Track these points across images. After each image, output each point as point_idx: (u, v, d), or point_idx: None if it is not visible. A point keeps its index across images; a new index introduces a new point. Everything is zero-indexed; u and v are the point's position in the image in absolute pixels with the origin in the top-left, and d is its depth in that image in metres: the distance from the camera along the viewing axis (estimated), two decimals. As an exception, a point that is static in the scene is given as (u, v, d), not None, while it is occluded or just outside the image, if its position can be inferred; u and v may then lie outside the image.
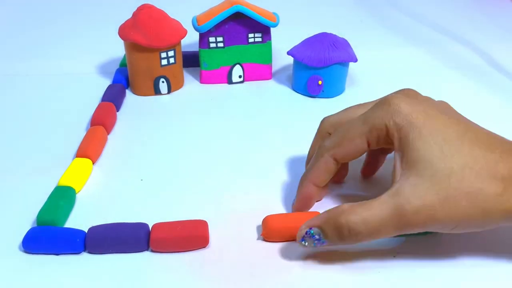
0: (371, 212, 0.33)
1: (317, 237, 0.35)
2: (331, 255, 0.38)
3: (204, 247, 0.39)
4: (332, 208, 0.35)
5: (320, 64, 0.57)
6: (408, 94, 0.39)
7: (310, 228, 0.35)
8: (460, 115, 0.38)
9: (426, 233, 0.39)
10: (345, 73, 0.60)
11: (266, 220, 0.40)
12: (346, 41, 0.60)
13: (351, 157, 0.38)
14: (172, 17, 0.59)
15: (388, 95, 0.38)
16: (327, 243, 0.35)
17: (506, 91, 0.62)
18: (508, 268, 0.38)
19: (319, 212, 0.39)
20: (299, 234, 0.36)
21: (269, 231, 0.39)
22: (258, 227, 0.41)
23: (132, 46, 0.57)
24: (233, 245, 0.39)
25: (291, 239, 0.39)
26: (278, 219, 0.40)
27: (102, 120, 0.52)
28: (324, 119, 0.43)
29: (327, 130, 0.42)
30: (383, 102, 0.36)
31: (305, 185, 0.40)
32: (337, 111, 0.43)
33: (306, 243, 0.35)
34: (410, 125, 0.34)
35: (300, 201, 0.41)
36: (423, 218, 0.32)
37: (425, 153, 0.33)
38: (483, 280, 0.37)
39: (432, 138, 0.33)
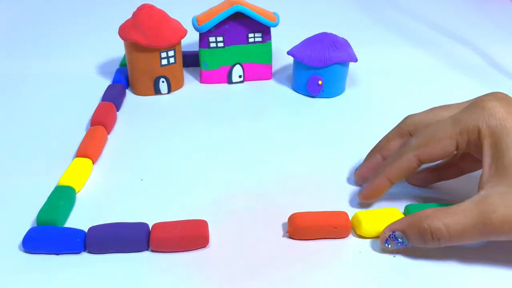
0: (454, 218, 0.34)
1: (400, 240, 0.36)
2: (331, 255, 0.38)
3: (204, 247, 0.39)
4: (415, 213, 0.36)
5: (320, 64, 0.57)
6: (500, 97, 0.37)
7: (393, 232, 0.36)
8: None
9: None
10: (345, 73, 0.60)
11: (292, 218, 0.40)
12: (346, 41, 0.60)
13: (436, 159, 0.38)
14: (172, 17, 0.59)
15: (480, 97, 0.37)
16: (410, 246, 0.36)
17: (506, 91, 0.62)
18: (508, 268, 0.38)
19: (346, 212, 0.40)
20: (383, 236, 0.37)
21: (296, 228, 0.39)
22: (258, 227, 0.41)
23: (132, 46, 0.57)
24: (233, 245, 0.39)
25: (317, 237, 0.39)
26: (305, 217, 0.40)
27: (102, 120, 0.52)
28: (407, 116, 0.43)
29: (408, 129, 0.42)
30: (476, 105, 0.36)
31: (380, 178, 0.40)
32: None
33: (390, 246, 0.37)
34: (504, 131, 0.34)
35: (371, 191, 0.41)
36: (509, 228, 0.32)
37: None
38: (483, 280, 0.37)
39: None
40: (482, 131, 0.35)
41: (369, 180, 0.42)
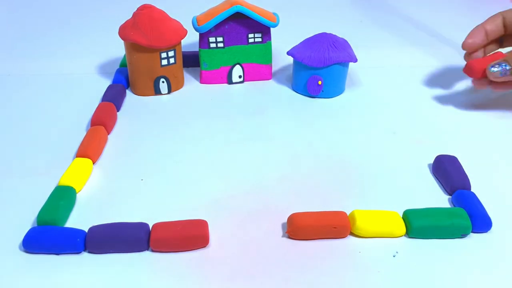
0: None
1: (503, 65, 0.49)
2: (331, 254, 0.39)
3: (204, 247, 0.39)
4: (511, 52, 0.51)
5: (320, 64, 0.57)
6: None
7: (500, 62, 0.49)
8: None
9: (461, 235, 0.40)
10: (345, 73, 0.60)
11: (292, 218, 0.40)
12: (346, 41, 0.60)
13: None
14: (172, 17, 0.59)
15: None
16: (510, 73, 0.49)
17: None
18: (507, 268, 0.38)
19: (345, 212, 0.41)
20: (491, 64, 0.50)
21: (296, 228, 0.39)
22: (258, 227, 0.41)
23: (132, 46, 0.57)
24: (233, 245, 0.39)
25: (316, 237, 0.40)
26: (305, 217, 0.40)
27: (102, 120, 0.52)
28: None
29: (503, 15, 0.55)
30: None
31: (477, 27, 0.54)
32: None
33: (495, 69, 0.49)
34: None
35: (472, 36, 0.54)
36: None
37: None
38: (482, 280, 0.37)
39: None
40: None
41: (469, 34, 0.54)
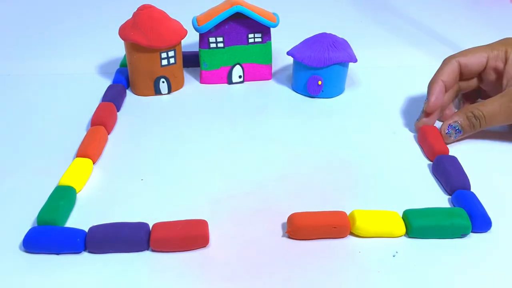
0: (487, 106, 0.49)
1: (457, 128, 0.50)
2: (331, 254, 0.39)
3: (204, 246, 0.39)
4: (463, 108, 0.51)
5: (320, 65, 0.57)
6: None
7: (450, 124, 0.50)
8: None
9: (461, 235, 0.40)
10: (345, 73, 0.60)
11: (292, 218, 0.40)
12: (346, 41, 0.60)
13: (470, 66, 0.51)
14: (172, 17, 0.59)
15: (504, 38, 0.53)
16: (462, 134, 0.50)
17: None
18: (507, 268, 0.38)
19: (345, 212, 0.41)
20: (444, 128, 0.50)
21: (296, 228, 0.39)
22: (258, 227, 0.41)
23: (133, 46, 0.57)
24: (233, 245, 0.39)
25: (316, 237, 0.40)
26: (305, 217, 0.40)
27: (103, 120, 0.52)
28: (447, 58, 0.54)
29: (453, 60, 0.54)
30: (503, 39, 0.52)
31: (436, 82, 0.52)
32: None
33: (450, 133, 0.50)
34: None
35: (433, 96, 0.52)
36: None
37: None
38: (482, 280, 0.37)
39: None
40: (508, 50, 0.50)
41: (428, 92, 0.52)
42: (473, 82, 0.54)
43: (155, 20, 0.56)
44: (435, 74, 0.53)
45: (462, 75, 0.53)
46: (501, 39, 0.52)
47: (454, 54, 0.53)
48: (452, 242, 0.40)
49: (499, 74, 0.51)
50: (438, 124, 0.53)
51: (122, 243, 0.38)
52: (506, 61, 0.50)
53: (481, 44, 0.54)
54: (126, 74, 0.62)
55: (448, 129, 0.50)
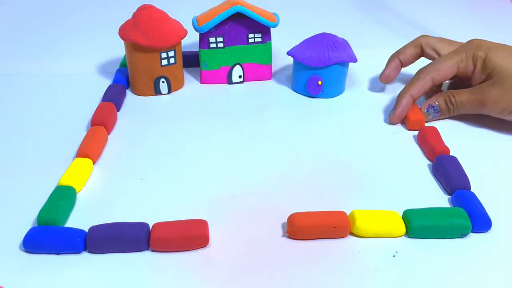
0: (462, 95, 0.54)
1: (435, 108, 0.55)
2: (331, 254, 0.39)
3: (204, 246, 0.39)
4: (444, 92, 0.55)
5: (319, 65, 0.57)
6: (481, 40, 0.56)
7: (430, 104, 0.55)
8: None
9: (461, 235, 0.40)
10: (345, 73, 0.60)
11: (292, 218, 0.40)
12: (346, 41, 0.60)
13: (442, 77, 0.55)
14: (172, 17, 0.59)
15: (470, 40, 0.56)
16: (440, 115, 0.55)
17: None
18: (507, 268, 0.38)
19: (345, 212, 0.41)
20: (424, 107, 0.55)
21: (296, 228, 0.39)
22: (258, 227, 0.41)
23: (133, 46, 0.57)
24: (233, 245, 0.39)
25: (316, 237, 0.40)
26: (305, 217, 0.40)
27: (103, 120, 0.52)
28: (422, 35, 0.61)
29: (420, 41, 0.60)
30: (469, 42, 0.55)
31: (405, 97, 0.55)
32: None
33: (429, 112, 0.55)
34: (492, 49, 0.53)
35: (399, 109, 0.55)
36: (494, 103, 0.51)
37: (502, 65, 0.51)
38: (482, 280, 0.37)
39: (507, 59, 0.51)
40: (474, 56, 0.53)
41: (396, 103, 0.55)
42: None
43: (155, 20, 0.56)
44: (405, 86, 0.56)
45: (434, 85, 0.56)
46: (467, 42, 0.56)
47: (427, 66, 0.56)
48: (452, 242, 0.40)
49: (469, 78, 0.55)
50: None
51: (122, 243, 0.38)
52: (474, 66, 0.54)
53: None
54: (126, 74, 0.62)
55: (428, 108, 0.55)
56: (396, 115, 0.55)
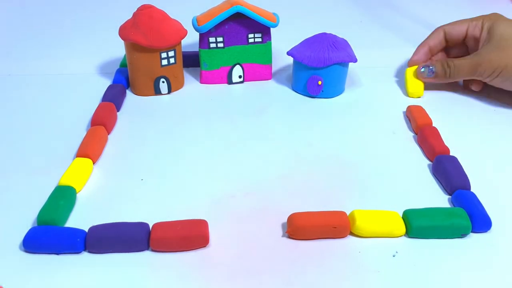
0: (460, 60, 0.58)
1: (431, 67, 0.59)
2: (331, 254, 0.39)
3: (204, 246, 0.39)
4: (442, 59, 0.60)
5: (319, 65, 0.57)
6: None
7: (429, 64, 0.60)
8: None
9: (461, 235, 0.40)
10: (345, 73, 0.60)
11: (292, 218, 0.40)
12: (346, 41, 0.60)
13: (454, 34, 0.61)
14: (172, 17, 0.59)
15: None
16: (434, 76, 0.59)
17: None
18: (507, 268, 0.38)
19: (345, 212, 0.41)
20: (420, 66, 0.60)
21: (296, 228, 0.39)
22: (258, 227, 0.41)
23: (133, 46, 0.57)
24: (233, 245, 0.39)
25: (316, 237, 0.40)
26: (304, 217, 0.40)
27: (103, 120, 0.52)
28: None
29: (443, 27, 0.62)
30: (481, 15, 0.61)
31: (421, 45, 0.63)
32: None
33: (423, 70, 0.60)
34: (498, 20, 0.58)
35: (416, 54, 0.62)
36: (489, 68, 0.55)
37: (503, 32, 0.56)
38: (482, 280, 0.37)
39: (508, 28, 0.56)
40: (483, 21, 0.59)
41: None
42: (462, 51, 0.62)
43: (155, 20, 0.56)
44: (423, 40, 0.63)
45: (448, 41, 0.62)
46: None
47: (446, 24, 0.62)
48: (452, 242, 0.40)
49: (477, 41, 0.59)
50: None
51: (122, 243, 0.38)
52: (481, 30, 0.59)
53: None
54: (126, 74, 0.62)
55: (423, 67, 0.60)
56: (411, 60, 0.62)
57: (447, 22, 0.62)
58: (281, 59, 0.66)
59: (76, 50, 0.72)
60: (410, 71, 0.61)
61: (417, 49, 0.63)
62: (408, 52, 0.72)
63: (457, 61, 0.58)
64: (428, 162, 0.49)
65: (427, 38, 0.63)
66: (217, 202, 0.43)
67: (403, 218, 0.41)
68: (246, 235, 0.40)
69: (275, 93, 0.62)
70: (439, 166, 0.47)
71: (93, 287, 0.36)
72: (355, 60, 0.59)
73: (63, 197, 0.42)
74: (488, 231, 0.41)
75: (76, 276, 0.37)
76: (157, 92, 0.60)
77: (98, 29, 0.79)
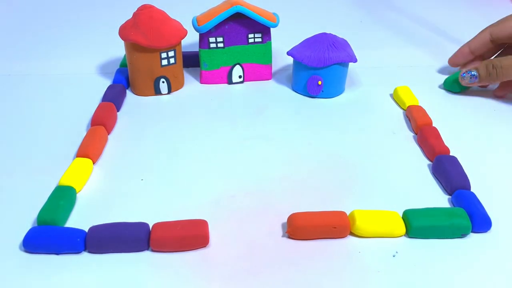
0: (507, 60, 0.55)
1: (473, 73, 0.57)
2: (331, 254, 0.39)
3: (204, 246, 0.39)
4: (485, 61, 0.57)
5: (319, 65, 0.57)
6: None
7: (470, 69, 0.57)
8: None
9: (461, 235, 0.40)
10: (345, 73, 0.60)
11: (292, 218, 0.40)
12: (345, 41, 0.60)
13: (501, 34, 0.58)
14: (172, 17, 0.59)
15: None
16: (478, 80, 0.57)
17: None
18: (507, 268, 0.38)
19: (345, 212, 0.41)
20: (461, 72, 0.58)
21: (296, 228, 0.39)
22: (258, 227, 0.41)
23: (133, 47, 0.57)
24: (233, 245, 0.39)
25: (316, 237, 0.40)
26: (304, 217, 0.40)
27: (103, 120, 0.52)
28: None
29: (488, 29, 0.61)
30: None
31: (463, 46, 0.61)
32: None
33: (465, 76, 0.57)
34: None
35: (456, 55, 0.63)
36: None
37: None
38: (482, 280, 0.37)
39: None
40: None
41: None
42: None
43: (155, 20, 0.56)
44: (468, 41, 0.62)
45: (495, 42, 0.59)
46: None
47: (491, 24, 0.61)
48: (452, 242, 0.40)
49: None
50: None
51: (122, 243, 0.38)
52: None
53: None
54: (126, 74, 0.62)
55: (464, 73, 0.57)
56: (450, 60, 0.62)
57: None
58: (281, 59, 0.66)
59: (76, 50, 0.72)
60: (397, 91, 0.59)
61: (458, 50, 0.62)
62: (408, 52, 0.72)
63: (505, 60, 0.55)
64: (428, 162, 0.49)
65: (469, 41, 0.61)
66: (217, 202, 0.44)
67: (403, 218, 0.41)
68: (246, 235, 0.40)
69: (275, 93, 0.62)
70: (439, 166, 0.47)
71: (93, 287, 0.36)
72: (355, 60, 0.59)
73: (63, 197, 0.42)
74: (488, 231, 0.41)
75: (76, 276, 0.37)
76: (157, 92, 0.60)
77: (98, 29, 0.79)
